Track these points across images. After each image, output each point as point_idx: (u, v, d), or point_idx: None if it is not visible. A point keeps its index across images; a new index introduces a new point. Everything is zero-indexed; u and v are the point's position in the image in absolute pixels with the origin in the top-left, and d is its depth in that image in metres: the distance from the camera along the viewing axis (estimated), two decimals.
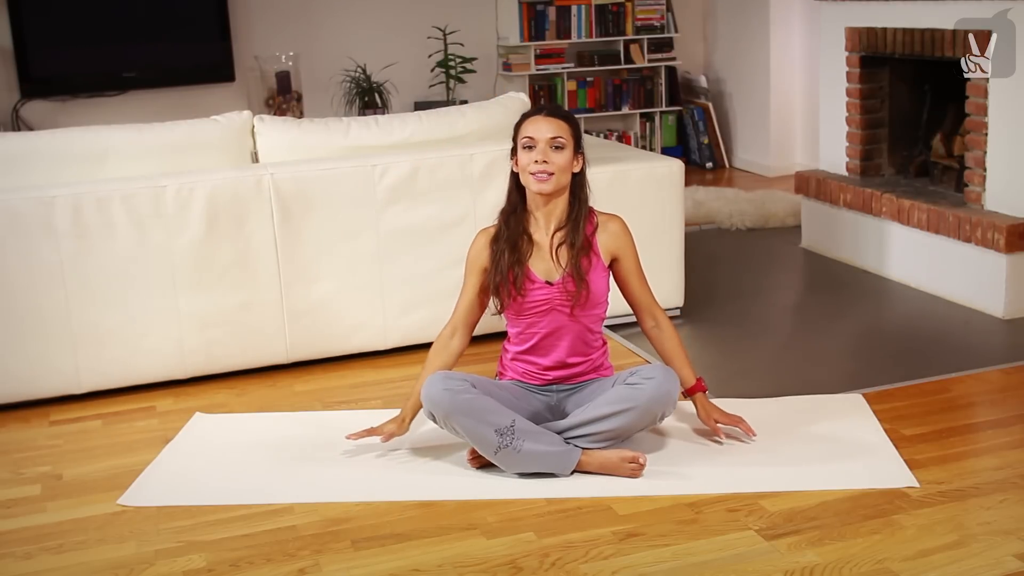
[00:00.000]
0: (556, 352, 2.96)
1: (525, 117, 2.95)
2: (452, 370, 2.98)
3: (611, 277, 3.01)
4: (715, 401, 3.30)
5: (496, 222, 3.00)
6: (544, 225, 2.94)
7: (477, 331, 3.85)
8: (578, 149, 2.92)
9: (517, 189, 2.96)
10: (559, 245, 2.91)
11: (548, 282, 2.91)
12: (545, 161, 2.84)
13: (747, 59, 7.31)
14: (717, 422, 2.99)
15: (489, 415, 2.76)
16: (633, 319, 4.03)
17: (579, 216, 2.92)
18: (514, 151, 2.94)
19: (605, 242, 2.95)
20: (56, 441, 3.26)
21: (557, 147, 2.86)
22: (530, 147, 2.87)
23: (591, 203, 2.99)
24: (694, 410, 3.08)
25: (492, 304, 3.00)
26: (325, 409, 3.41)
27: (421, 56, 7.13)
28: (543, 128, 2.87)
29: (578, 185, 2.94)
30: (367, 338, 3.80)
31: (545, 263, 2.93)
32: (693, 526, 2.55)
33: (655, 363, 3.04)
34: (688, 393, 3.02)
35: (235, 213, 3.56)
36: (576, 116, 5.41)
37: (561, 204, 2.92)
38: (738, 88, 7.50)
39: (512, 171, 2.96)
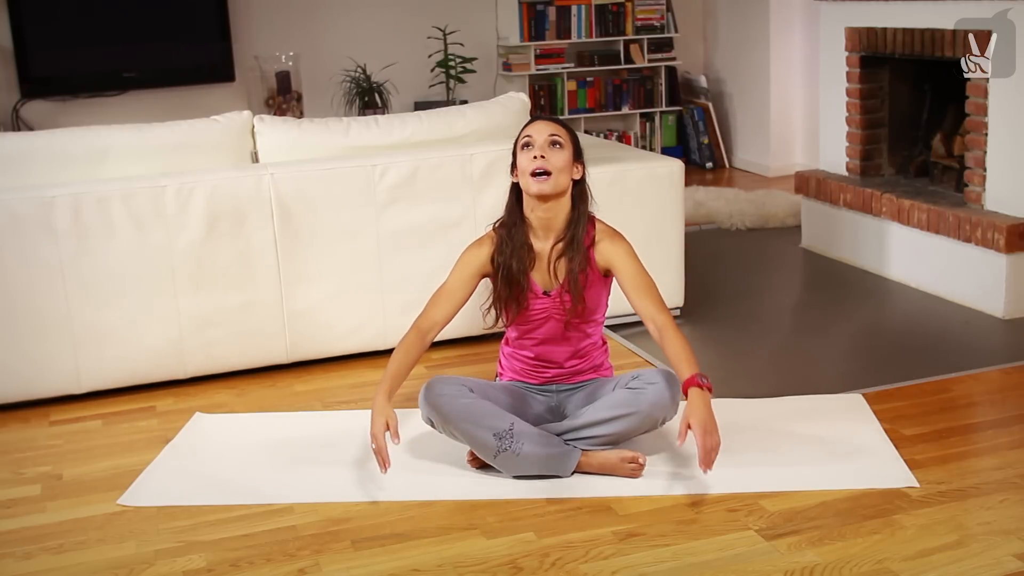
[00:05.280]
0: (554, 356, 2.96)
1: (523, 127, 2.94)
2: (449, 374, 2.97)
3: (612, 282, 2.99)
4: (714, 401, 3.29)
5: (490, 230, 2.96)
6: (543, 236, 2.90)
7: (476, 331, 3.86)
8: (577, 157, 2.90)
9: (517, 203, 2.93)
10: (557, 258, 2.88)
11: (546, 292, 2.90)
12: (543, 157, 2.82)
13: (747, 59, 7.31)
14: (689, 428, 2.65)
15: (487, 419, 2.76)
16: (633, 319, 4.05)
17: (578, 229, 2.87)
18: (514, 166, 2.91)
19: (599, 256, 2.89)
20: (56, 441, 3.26)
21: (554, 144, 2.84)
22: (528, 145, 2.86)
23: (596, 213, 2.95)
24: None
25: (486, 319, 2.97)
26: (325, 409, 3.41)
27: (421, 56, 7.13)
28: (540, 128, 2.87)
29: (578, 196, 2.90)
30: (367, 338, 3.80)
31: (543, 274, 2.91)
32: (693, 526, 2.55)
33: (658, 367, 3.01)
34: (683, 387, 2.77)
35: (235, 213, 3.56)
36: (576, 116, 5.33)
37: (561, 215, 2.88)
38: (738, 88, 7.49)
39: (512, 183, 2.93)
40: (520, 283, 2.87)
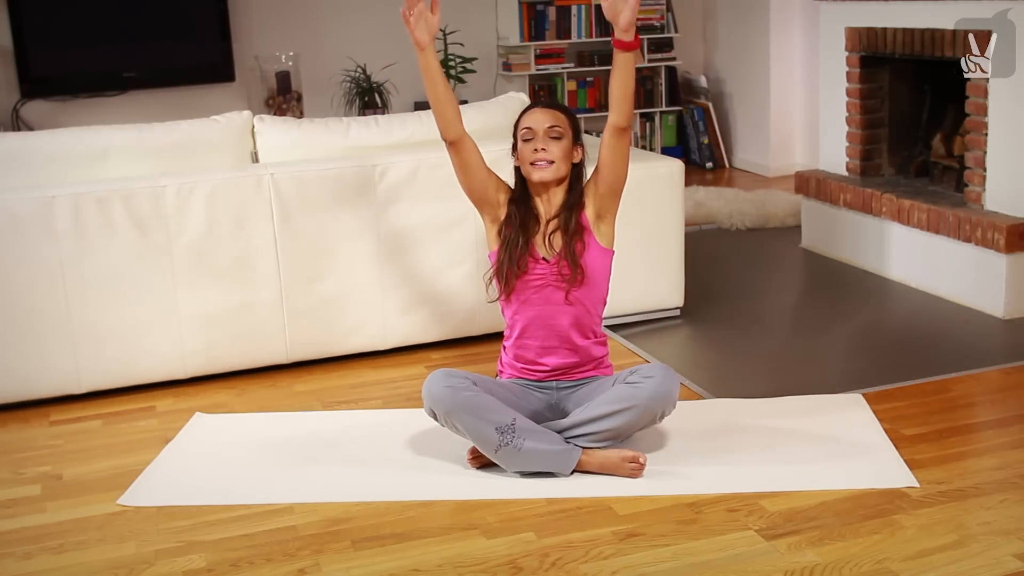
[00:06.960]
0: (554, 334, 2.94)
1: (523, 112, 2.99)
2: (454, 368, 2.98)
3: (612, 257, 3.00)
4: (714, 401, 3.30)
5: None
6: (544, 213, 2.97)
7: (476, 331, 3.87)
8: (577, 140, 2.96)
9: (522, 182, 2.99)
10: (552, 232, 2.93)
11: (544, 259, 2.92)
12: (544, 149, 2.89)
13: (747, 59, 7.31)
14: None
15: (490, 413, 2.76)
16: (633, 319, 4.05)
17: (573, 209, 2.94)
18: (515, 148, 2.98)
19: (588, 204, 2.95)
20: (56, 441, 3.26)
21: (555, 136, 2.90)
22: (529, 138, 2.92)
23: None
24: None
25: (490, 291, 2.99)
26: (325, 409, 3.41)
27: None
28: (540, 118, 2.93)
29: (576, 177, 2.97)
30: (367, 338, 3.80)
31: (541, 245, 2.94)
32: (693, 526, 2.55)
33: (655, 362, 3.02)
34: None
35: (235, 213, 3.56)
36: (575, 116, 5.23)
37: (560, 194, 2.95)
38: (738, 88, 7.49)
39: (515, 166, 2.99)
40: (522, 252, 2.92)
